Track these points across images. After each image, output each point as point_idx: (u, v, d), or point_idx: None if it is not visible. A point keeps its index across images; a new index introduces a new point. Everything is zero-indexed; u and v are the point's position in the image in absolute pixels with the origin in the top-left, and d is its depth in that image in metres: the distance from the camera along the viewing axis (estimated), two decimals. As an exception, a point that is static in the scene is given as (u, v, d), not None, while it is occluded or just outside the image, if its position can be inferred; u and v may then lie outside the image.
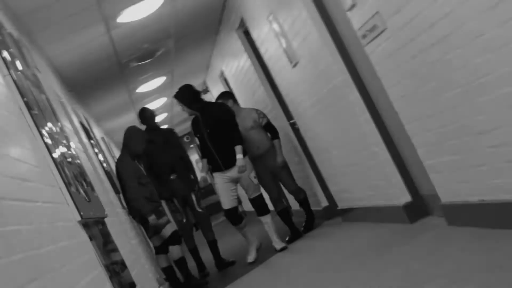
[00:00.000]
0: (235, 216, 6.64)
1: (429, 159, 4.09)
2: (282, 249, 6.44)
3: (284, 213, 6.96)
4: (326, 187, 7.04)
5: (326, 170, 6.62)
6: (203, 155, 6.78)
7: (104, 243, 4.40)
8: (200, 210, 7.39)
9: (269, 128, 7.03)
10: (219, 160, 6.52)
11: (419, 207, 4.87)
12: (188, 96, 6.62)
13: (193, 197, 7.41)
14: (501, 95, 3.10)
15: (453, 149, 3.74)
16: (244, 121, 6.94)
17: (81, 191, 4.11)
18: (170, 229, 6.63)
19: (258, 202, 6.62)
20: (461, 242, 3.60)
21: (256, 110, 7.14)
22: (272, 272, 5.63)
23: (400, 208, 4.92)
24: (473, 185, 3.69)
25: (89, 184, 4.85)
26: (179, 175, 7.33)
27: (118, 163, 6.80)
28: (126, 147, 6.80)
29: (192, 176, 7.48)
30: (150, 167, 7.28)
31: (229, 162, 6.52)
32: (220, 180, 6.57)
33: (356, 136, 5.31)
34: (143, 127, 7.61)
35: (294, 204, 7.95)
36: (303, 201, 7.11)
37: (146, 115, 7.62)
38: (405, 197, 4.92)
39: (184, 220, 7.40)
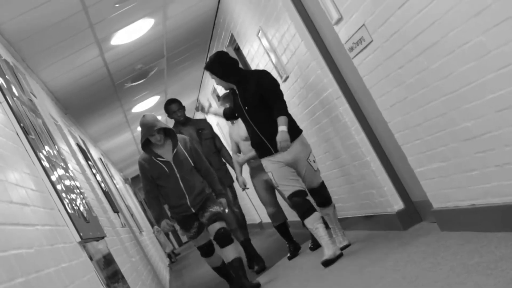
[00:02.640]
0: (304, 204, 5.16)
1: (420, 166, 4.16)
2: (345, 247, 5.40)
3: (283, 227, 6.59)
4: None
5: (326, 180, 6.67)
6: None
7: (105, 262, 4.45)
8: (236, 210, 6.97)
9: None
10: (266, 141, 5.23)
11: (412, 213, 4.93)
12: (222, 66, 5.33)
13: (229, 194, 6.98)
14: (487, 101, 3.16)
15: (443, 155, 3.81)
16: (239, 130, 6.57)
17: (80, 212, 4.17)
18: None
19: (321, 192, 5.35)
20: (455, 246, 3.65)
21: None
22: (273, 279, 5.67)
23: (393, 215, 4.98)
24: (463, 190, 3.76)
25: (88, 205, 4.91)
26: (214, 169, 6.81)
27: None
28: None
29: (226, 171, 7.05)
30: None
31: None
32: (272, 165, 5.23)
33: (347, 147, 5.38)
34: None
35: (290, 215, 7.99)
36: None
37: (171, 108, 7.03)
38: (398, 205, 4.99)
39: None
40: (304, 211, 5.14)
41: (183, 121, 7.01)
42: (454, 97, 3.42)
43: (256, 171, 6.59)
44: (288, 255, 6.50)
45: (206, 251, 5.93)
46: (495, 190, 3.41)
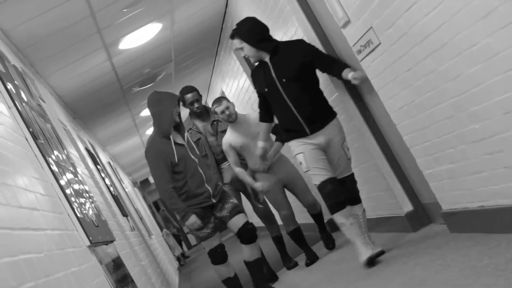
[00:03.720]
0: (339, 194, 4.57)
1: (428, 168, 4.16)
2: (379, 255, 4.51)
3: (297, 233, 6.10)
4: (321, 202, 7.08)
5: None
6: (267, 120, 5.03)
7: (114, 266, 4.46)
8: (260, 206, 6.23)
9: (276, 131, 5.98)
10: (302, 121, 4.62)
11: (421, 215, 4.93)
12: (254, 31, 4.67)
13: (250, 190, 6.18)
14: (495, 103, 3.16)
15: (451, 157, 3.80)
16: (251, 127, 5.95)
17: (89, 216, 4.18)
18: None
19: (352, 185, 4.74)
20: (464, 248, 3.65)
21: None
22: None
23: (403, 217, 4.98)
24: (472, 192, 3.75)
25: (97, 208, 4.92)
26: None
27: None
28: None
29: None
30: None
31: (317, 124, 4.65)
32: (303, 146, 4.61)
33: (355, 149, 5.38)
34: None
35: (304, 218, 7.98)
36: (319, 216, 6.17)
37: (188, 99, 6.15)
38: (407, 207, 4.98)
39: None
40: (338, 202, 4.52)
41: (199, 113, 6.21)
42: (462, 99, 3.42)
43: (261, 174, 6.05)
44: (307, 261, 5.98)
45: (222, 254, 5.18)
46: (504, 191, 3.41)
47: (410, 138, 4.23)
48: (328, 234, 6.20)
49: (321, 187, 4.55)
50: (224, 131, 6.18)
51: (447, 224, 4.22)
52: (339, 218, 4.54)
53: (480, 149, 3.46)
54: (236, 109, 6.46)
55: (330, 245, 6.15)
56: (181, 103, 5.76)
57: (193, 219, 4.95)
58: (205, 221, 5.05)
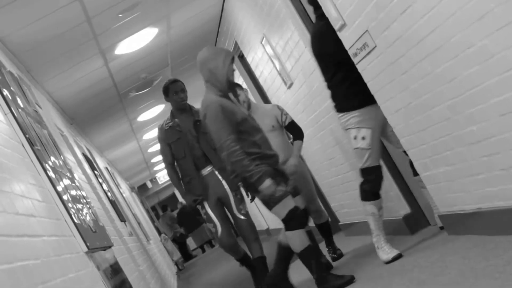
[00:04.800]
0: (380, 182, 4.49)
1: (426, 171, 4.16)
2: (395, 259, 4.37)
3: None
4: (327, 203, 7.11)
5: (325, 186, 6.68)
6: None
7: (112, 271, 4.45)
8: (241, 217, 5.53)
9: (293, 128, 5.44)
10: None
11: (419, 218, 4.93)
12: None
13: (232, 202, 5.56)
14: (491, 105, 3.16)
15: (448, 160, 3.81)
16: (263, 120, 5.34)
17: (87, 222, 4.18)
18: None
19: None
20: (462, 250, 3.65)
21: (278, 106, 5.58)
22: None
23: (400, 220, 4.98)
24: (469, 194, 3.75)
25: (94, 214, 4.91)
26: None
27: None
28: None
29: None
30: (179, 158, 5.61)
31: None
32: (374, 123, 4.40)
33: (352, 153, 5.37)
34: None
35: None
36: (324, 225, 5.63)
37: (173, 88, 5.65)
38: (405, 209, 4.98)
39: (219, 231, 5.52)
40: (376, 192, 4.45)
41: (183, 107, 5.67)
42: (459, 102, 3.42)
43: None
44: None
45: (303, 215, 4.55)
46: (501, 193, 3.41)
47: (407, 140, 4.23)
48: (335, 247, 5.60)
49: (372, 170, 4.43)
50: (207, 133, 5.12)
51: (444, 227, 4.22)
52: (371, 207, 4.46)
53: (477, 151, 3.46)
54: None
55: (336, 256, 5.59)
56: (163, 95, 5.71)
57: (268, 182, 4.34)
58: (277, 180, 4.45)
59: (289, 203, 4.40)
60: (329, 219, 5.68)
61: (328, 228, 5.65)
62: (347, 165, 5.64)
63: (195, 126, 5.54)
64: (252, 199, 4.82)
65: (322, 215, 5.60)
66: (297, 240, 4.41)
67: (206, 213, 5.55)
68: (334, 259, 5.55)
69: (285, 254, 4.65)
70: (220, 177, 5.52)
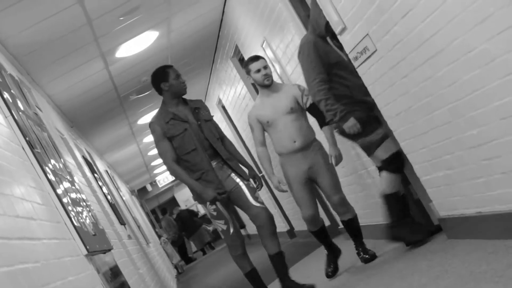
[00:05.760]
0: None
1: (426, 174, 4.16)
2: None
3: (323, 233, 5.17)
4: (327, 207, 7.11)
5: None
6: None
7: (111, 275, 4.45)
8: (258, 205, 4.97)
9: (316, 111, 4.92)
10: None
11: (418, 222, 4.92)
12: None
13: (243, 189, 5.00)
14: (492, 108, 3.16)
15: (448, 163, 3.80)
16: (280, 101, 4.95)
17: (86, 225, 4.17)
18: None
19: None
20: (461, 254, 3.65)
21: (299, 85, 5.07)
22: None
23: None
24: (469, 198, 3.75)
25: (94, 217, 4.91)
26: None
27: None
28: None
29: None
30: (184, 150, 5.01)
31: None
32: None
33: (352, 156, 5.38)
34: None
35: (299, 225, 7.97)
36: (351, 222, 5.10)
37: (173, 72, 5.13)
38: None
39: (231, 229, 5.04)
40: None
41: (184, 93, 5.19)
42: (459, 105, 3.42)
43: (292, 160, 4.98)
44: (329, 271, 5.13)
45: (402, 161, 4.53)
46: (501, 197, 3.41)
47: (407, 144, 4.23)
48: (365, 248, 5.05)
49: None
50: (208, 121, 5.12)
51: (444, 231, 4.22)
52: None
53: (478, 155, 3.46)
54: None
55: (369, 258, 4.96)
56: (162, 82, 5.08)
57: (353, 121, 4.41)
58: (373, 126, 4.46)
59: (390, 146, 4.48)
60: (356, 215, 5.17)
61: (357, 225, 5.09)
62: (347, 168, 5.64)
63: (195, 115, 5.09)
64: (259, 186, 4.99)
65: (350, 210, 5.06)
66: (392, 182, 4.49)
67: (217, 209, 4.94)
68: (367, 260, 4.95)
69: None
70: (228, 171, 5.02)
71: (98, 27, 5.81)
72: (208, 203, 4.93)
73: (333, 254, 5.18)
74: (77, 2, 5.05)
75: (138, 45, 6.93)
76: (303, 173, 4.94)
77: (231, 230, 4.98)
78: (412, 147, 4.18)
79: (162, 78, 5.08)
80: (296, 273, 6.25)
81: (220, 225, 4.98)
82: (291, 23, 5.37)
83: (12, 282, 2.17)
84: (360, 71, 4.41)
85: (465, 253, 3.63)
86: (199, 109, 5.11)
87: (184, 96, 5.15)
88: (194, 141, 4.97)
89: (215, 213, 4.96)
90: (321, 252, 6.50)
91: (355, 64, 4.41)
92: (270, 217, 4.92)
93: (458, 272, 3.33)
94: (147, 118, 10.86)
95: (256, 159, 5.37)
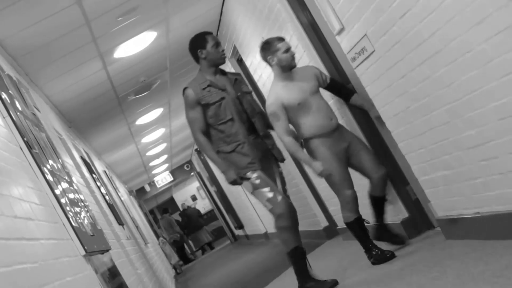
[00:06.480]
0: None
1: (424, 175, 4.16)
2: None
3: (360, 223, 4.75)
4: (325, 207, 7.12)
5: (324, 191, 6.68)
6: None
7: (110, 275, 4.44)
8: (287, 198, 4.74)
9: (336, 86, 4.84)
10: None
11: (417, 222, 4.93)
12: None
13: (276, 177, 4.79)
14: (490, 109, 3.17)
15: (447, 164, 3.81)
16: (305, 81, 4.69)
17: (84, 225, 4.17)
18: None
19: None
20: (460, 255, 3.65)
21: (313, 65, 5.00)
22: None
23: (398, 224, 4.98)
24: (467, 198, 3.75)
25: (92, 217, 4.91)
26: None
27: None
28: None
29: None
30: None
31: None
32: None
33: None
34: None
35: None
36: (383, 201, 4.79)
37: (212, 39, 4.83)
38: (402, 214, 4.98)
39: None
40: None
41: (223, 63, 4.86)
42: (457, 106, 3.42)
43: (329, 141, 4.68)
44: (372, 259, 4.64)
45: None
46: (500, 198, 3.41)
47: (405, 144, 4.23)
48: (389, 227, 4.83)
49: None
50: (248, 93, 4.84)
51: (442, 231, 4.22)
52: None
53: (476, 155, 3.46)
54: None
55: (399, 240, 4.77)
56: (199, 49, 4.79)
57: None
58: None
59: None
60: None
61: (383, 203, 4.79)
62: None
63: (235, 86, 4.77)
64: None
65: (388, 183, 4.79)
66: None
67: (260, 177, 4.57)
68: (399, 243, 4.77)
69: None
70: (264, 148, 4.73)
71: (96, 28, 5.81)
72: (250, 172, 4.59)
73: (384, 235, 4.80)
74: (75, 2, 5.05)
75: (136, 46, 6.92)
76: (344, 152, 4.66)
77: (279, 197, 4.56)
78: (410, 148, 4.18)
79: (200, 44, 4.80)
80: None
81: (265, 193, 4.55)
82: (289, 23, 5.37)
83: (10, 282, 2.17)
84: (358, 71, 4.41)
85: (463, 253, 3.63)
86: (239, 81, 4.83)
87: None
88: (231, 111, 4.68)
89: (258, 181, 4.58)
90: (321, 252, 6.51)
91: (353, 64, 4.42)
92: (294, 211, 4.63)
93: (456, 273, 3.33)
94: (145, 119, 10.86)
95: (284, 150, 4.94)
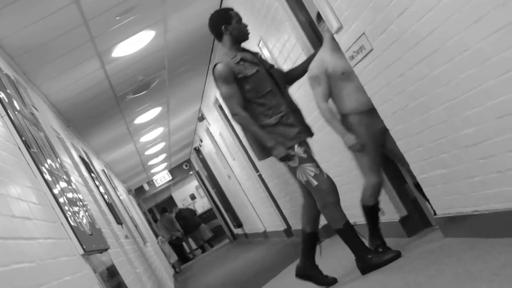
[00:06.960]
0: None
1: (422, 173, 4.16)
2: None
3: (376, 209, 4.70)
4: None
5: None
6: None
7: (108, 274, 4.45)
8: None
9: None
10: None
11: (415, 220, 4.94)
12: None
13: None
14: (488, 107, 3.17)
15: (445, 162, 3.81)
16: (339, 61, 4.55)
17: (83, 225, 4.17)
18: None
19: None
20: (458, 253, 3.65)
21: None
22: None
23: (397, 222, 4.98)
24: (465, 196, 3.76)
25: (91, 217, 4.91)
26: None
27: None
28: None
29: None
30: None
31: None
32: None
33: (349, 154, 5.37)
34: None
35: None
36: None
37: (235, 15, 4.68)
38: (401, 212, 4.98)
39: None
40: None
41: (247, 38, 4.70)
42: (455, 104, 3.42)
43: (368, 119, 4.53)
44: (373, 248, 4.61)
45: None
46: (498, 196, 3.42)
47: (403, 143, 4.23)
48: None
49: None
50: (271, 67, 4.68)
51: (441, 229, 4.23)
52: None
53: (474, 154, 3.46)
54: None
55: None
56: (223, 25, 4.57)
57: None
58: None
59: None
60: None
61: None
62: (343, 167, 5.64)
63: (261, 60, 4.64)
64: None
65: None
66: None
67: (307, 151, 4.44)
68: None
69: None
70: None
71: (94, 27, 5.80)
72: (297, 145, 4.41)
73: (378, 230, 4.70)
74: (73, 2, 5.04)
75: (135, 45, 6.92)
76: (380, 133, 4.48)
77: (324, 174, 4.43)
78: (408, 146, 4.18)
79: (224, 20, 4.58)
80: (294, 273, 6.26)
81: (310, 169, 4.39)
82: (287, 22, 5.37)
83: (8, 281, 2.17)
84: (356, 70, 4.41)
85: (462, 251, 3.64)
86: (260, 56, 4.68)
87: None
88: (269, 82, 4.51)
89: (305, 155, 4.41)
90: (319, 251, 6.50)
91: (351, 63, 4.42)
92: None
93: (454, 271, 3.34)
94: (143, 118, 10.85)
95: (321, 117, 4.75)
